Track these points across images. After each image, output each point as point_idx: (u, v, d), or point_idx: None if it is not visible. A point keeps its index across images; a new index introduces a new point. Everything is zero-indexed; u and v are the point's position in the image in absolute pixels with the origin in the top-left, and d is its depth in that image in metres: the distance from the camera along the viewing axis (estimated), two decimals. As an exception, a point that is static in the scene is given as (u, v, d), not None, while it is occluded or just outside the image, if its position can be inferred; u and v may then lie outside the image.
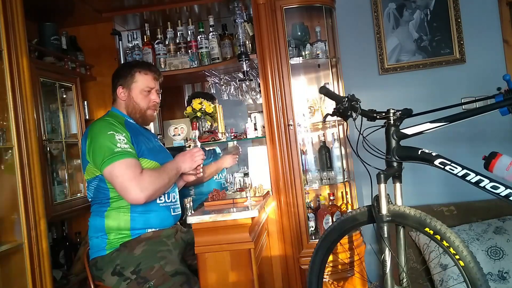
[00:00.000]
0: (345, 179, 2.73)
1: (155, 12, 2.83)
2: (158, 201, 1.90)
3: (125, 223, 1.83)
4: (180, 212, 2.04)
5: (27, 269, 1.87)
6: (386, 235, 1.65)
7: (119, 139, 1.79)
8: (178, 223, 2.06)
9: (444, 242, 1.57)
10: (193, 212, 2.11)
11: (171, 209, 1.96)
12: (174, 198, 1.99)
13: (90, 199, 1.93)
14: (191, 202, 2.24)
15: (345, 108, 1.74)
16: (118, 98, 1.99)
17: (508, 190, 1.50)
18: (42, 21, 2.78)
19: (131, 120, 1.98)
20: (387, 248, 1.64)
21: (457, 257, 1.55)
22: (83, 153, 1.87)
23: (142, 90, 1.96)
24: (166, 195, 1.94)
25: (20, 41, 1.96)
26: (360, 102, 1.74)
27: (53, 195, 2.54)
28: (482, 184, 1.53)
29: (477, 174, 1.55)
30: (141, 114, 1.98)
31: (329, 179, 2.70)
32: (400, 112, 1.71)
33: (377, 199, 1.66)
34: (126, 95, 1.96)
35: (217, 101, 2.92)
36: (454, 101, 2.79)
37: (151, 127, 3.12)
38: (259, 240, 2.03)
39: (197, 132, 2.24)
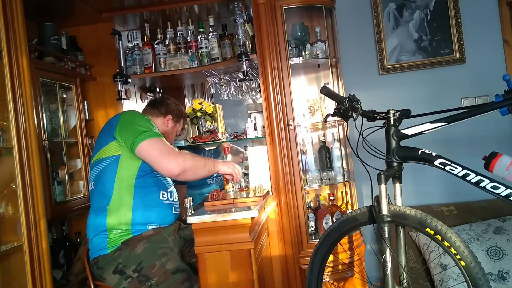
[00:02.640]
0: (345, 179, 2.73)
1: (155, 12, 2.83)
2: (161, 197, 1.92)
3: (127, 219, 1.83)
4: (179, 211, 2.05)
5: (27, 269, 1.87)
6: (386, 236, 1.65)
7: (155, 126, 1.93)
8: (178, 221, 2.07)
9: (445, 242, 1.57)
10: (193, 212, 2.11)
11: (173, 208, 1.98)
12: (176, 198, 2.02)
13: (91, 185, 1.93)
14: (191, 202, 2.25)
15: (346, 109, 1.74)
16: (159, 120, 2.22)
17: (509, 190, 1.50)
18: (42, 21, 2.78)
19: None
20: (388, 249, 1.64)
21: (458, 257, 1.55)
22: (106, 134, 1.90)
23: (177, 131, 2.36)
24: (169, 193, 1.96)
25: (20, 41, 1.96)
26: (360, 102, 1.74)
27: (53, 195, 2.54)
28: (482, 184, 1.53)
29: (477, 174, 1.55)
30: None
31: (329, 179, 2.70)
32: (399, 112, 1.71)
33: (377, 199, 1.66)
34: (171, 126, 2.27)
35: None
36: (454, 101, 2.85)
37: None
38: (259, 240, 2.03)
39: (230, 157, 2.46)
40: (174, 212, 1.98)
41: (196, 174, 1.89)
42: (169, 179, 2.01)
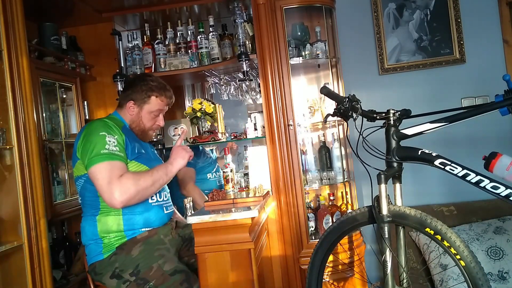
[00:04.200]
0: (345, 179, 2.73)
1: (155, 12, 2.83)
2: (150, 200, 1.89)
3: (118, 225, 1.82)
4: (173, 210, 2.04)
5: (27, 269, 1.87)
6: (386, 236, 1.65)
7: (109, 141, 1.78)
8: (172, 218, 2.06)
9: (445, 242, 1.57)
10: (193, 212, 2.11)
11: (164, 208, 1.95)
12: (166, 197, 1.99)
13: (80, 199, 1.91)
14: (191, 202, 2.25)
15: (346, 109, 1.74)
16: (125, 109, 1.99)
17: (509, 190, 1.50)
18: (42, 21, 2.78)
19: (127, 127, 1.98)
20: (388, 249, 1.64)
21: (458, 257, 1.55)
22: (74, 150, 1.86)
23: (152, 112, 2.00)
24: (157, 194, 1.93)
25: (20, 41, 1.96)
26: (360, 102, 1.74)
27: (53, 195, 2.54)
28: (482, 184, 1.53)
29: (477, 174, 1.55)
30: (142, 132, 2.01)
31: (329, 179, 2.70)
32: (399, 112, 1.71)
33: (377, 199, 1.66)
34: (136, 112, 1.98)
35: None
36: (454, 101, 2.84)
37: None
38: (259, 240, 2.03)
39: (230, 157, 2.32)
40: (166, 211, 1.96)
41: (146, 195, 1.81)
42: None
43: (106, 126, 1.84)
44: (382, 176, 1.63)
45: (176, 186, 2.67)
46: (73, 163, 1.87)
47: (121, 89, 1.98)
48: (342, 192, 2.78)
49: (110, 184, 1.70)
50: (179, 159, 1.92)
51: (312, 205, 2.73)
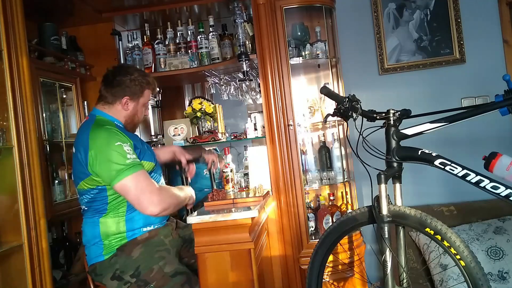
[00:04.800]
0: (345, 179, 2.73)
1: (155, 12, 2.83)
2: None
3: (119, 226, 1.82)
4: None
5: (27, 269, 1.87)
6: (386, 236, 1.65)
7: (127, 150, 1.76)
8: (172, 218, 2.06)
9: (445, 242, 1.57)
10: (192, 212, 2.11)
11: None
12: None
13: (83, 207, 1.88)
14: (191, 202, 2.24)
15: (346, 109, 1.74)
16: (119, 106, 1.95)
17: (508, 190, 1.50)
18: (42, 21, 2.78)
19: (120, 125, 1.95)
20: (387, 249, 1.64)
21: (458, 257, 1.54)
22: (81, 164, 1.78)
23: (145, 104, 2.04)
24: None
25: (20, 41, 1.96)
26: (360, 102, 1.74)
27: (53, 195, 2.54)
28: (482, 184, 1.53)
29: (477, 174, 1.55)
30: (134, 124, 2.03)
31: (329, 179, 2.70)
32: (399, 112, 1.71)
33: (377, 199, 1.66)
34: (132, 107, 1.97)
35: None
36: (454, 101, 2.85)
37: (152, 127, 3.12)
38: (259, 240, 2.03)
39: (230, 157, 2.35)
40: None
41: (174, 209, 1.88)
42: (157, 179, 1.96)
43: (114, 134, 1.79)
44: (382, 176, 1.63)
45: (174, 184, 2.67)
46: (82, 176, 1.80)
47: (103, 87, 1.95)
48: (342, 192, 2.78)
49: (150, 194, 1.74)
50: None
51: (312, 205, 2.73)
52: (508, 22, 2.87)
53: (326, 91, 1.84)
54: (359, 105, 1.73)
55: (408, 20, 2.96)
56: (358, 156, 1.69)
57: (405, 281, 1.72)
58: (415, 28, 2.95)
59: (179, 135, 2.73)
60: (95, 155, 1.74)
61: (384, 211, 1.65)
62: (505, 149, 1.77)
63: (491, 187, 1.52)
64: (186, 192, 2.00)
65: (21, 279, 1.87)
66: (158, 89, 2.10)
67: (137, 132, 2.49)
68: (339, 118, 1.90)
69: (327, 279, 2.44)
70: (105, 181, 1.76)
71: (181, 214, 2.64)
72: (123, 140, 1.78)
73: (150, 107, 2.07)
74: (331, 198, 2.68)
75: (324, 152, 2.76)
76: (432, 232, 1.59)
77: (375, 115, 1.72)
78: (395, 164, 1.70)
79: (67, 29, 3.05)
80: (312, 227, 2.61)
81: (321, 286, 1.88)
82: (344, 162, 2.75)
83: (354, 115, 1.73)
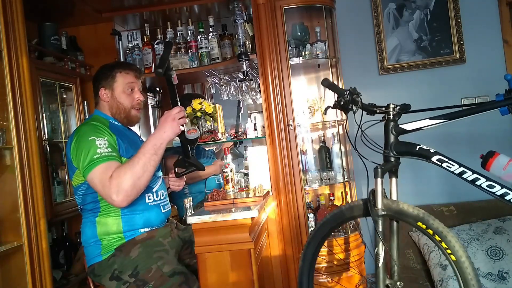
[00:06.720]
0: (345, 179, 2.73)
1: (155, 12, 2.83)
2: (147, 200, 1.88)
3: (116, 226, 1.82)
4: (170, 208, 2.03)
5: (27, 269, 1.87)
6: (380, 229, 1.64)
7: (99, 144, 1.74)
8: (172, 219, 2.06)
9: (436, 237, 1.56)
10: (193, 212, 2.11)
11: (161, 207, 1.94)
12: (162, 196, 1.97)
13: (79, 206, 1.90)
14: (191, 202, 2.24)
15: (346, 101, 1.73)
16: (101, 100, 1.96)
17: (504, 190, 1.50)
18: (42, 21, 2.78)
19: (116, 122, 1.95)
20: (380, 242, 1.63)
21: (449, 251, 1.54)
22: (68, 158, 1.83)
23: (124, 88, 1.95)
24: (154, 193, 1.92)
25: (20, 41, 1.96)
26: (361, 95, 1.74)
27: (53, 195, 2.54)
28: (478, 183, 1.53)
29: (473, 172, 1.54)
30: (125, 114, 1.97)
31: (329, 179, 2.70)
32: (399, 107, 1.70)
33: (373, 193, 1.66)
34: (109, 96, 1.94)
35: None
36: (454, 101, 2.84)
37: (152, 127, 3.12)
38: (259, 240, 2.03)
39: (230, 157, 2.33)
40: (163, 211, 1.95)
41: (143, 183, 1.73)
42: (153, 178, 1.94)
43: (94, 130, 1.80)
44: (379, 170, 1.62)
45: None
46: (71, 172, 1.84)
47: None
48: (342, 192, 2.78)
49: (105, 188, 1.69)
50: (167, 128, 1.79)
51: (312, 205, 2.73)
52: (508, 22, 2.87)
53: (327, 83, 1.84)
54: (359, 98, 1.72)
55: (408, 20, 2.96)
56: (356, 149, 1.69)
57: (395, 274, 1.71)
58: (415, 28, 2.95)
59: (132, 89, 2.71)
60: (75, 150, 1.78)
61: (379, 205, 1.64)
62: (505, 149, 1.77)
63: (486, 186, 1.52)
64: (145, 150, 1.76)
65: (21, 279, 1.86)
66: (137, 71, 2.02)
67: (137, 132, 2.49)
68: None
69: (326, 279, 2.44)
70: (82, 175, 1.78)
71: (181, 215, 2.64)
72: (99, 135, 1.78)
73: (138, 91, 2.00)
74: (331, 198, 2.68)
75: (324, 152, 2.76)
76: (424, 226, 1.58)
77: (375, 109, 1.71)
78: (392, 159, 1.69)
79: (67, 29, 3.04)
80: (312, 227, 2.60)
81: (312, 277, 1.84)
82: (344, 162, 2.75)
83: (354, 108, 1.72)
